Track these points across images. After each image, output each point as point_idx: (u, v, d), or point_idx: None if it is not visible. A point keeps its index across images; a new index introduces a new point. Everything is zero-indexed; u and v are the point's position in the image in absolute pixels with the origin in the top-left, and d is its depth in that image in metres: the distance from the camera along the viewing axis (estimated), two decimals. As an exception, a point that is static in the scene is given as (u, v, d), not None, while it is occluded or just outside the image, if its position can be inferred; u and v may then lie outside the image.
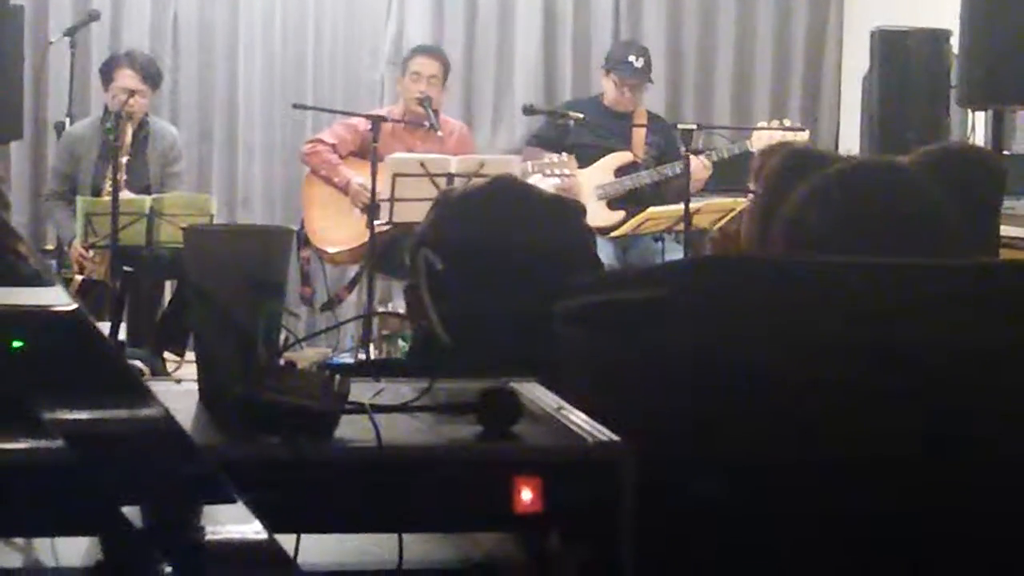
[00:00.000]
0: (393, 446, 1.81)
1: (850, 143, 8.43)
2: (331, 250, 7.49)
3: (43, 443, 1.63)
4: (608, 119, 7.85)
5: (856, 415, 2.07)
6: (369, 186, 6.98)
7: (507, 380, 2.03)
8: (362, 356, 7.11)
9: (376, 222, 6.91)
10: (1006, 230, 4.10)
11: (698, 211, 6.98)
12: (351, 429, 1.85)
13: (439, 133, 7.47)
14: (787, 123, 7.71)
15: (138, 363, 6.13)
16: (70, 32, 8.07)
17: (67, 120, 7.89)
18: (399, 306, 7.81)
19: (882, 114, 6.87)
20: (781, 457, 2.06)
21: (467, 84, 9.03)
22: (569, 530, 1.90)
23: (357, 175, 7.40)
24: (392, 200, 6.77)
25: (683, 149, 7.00)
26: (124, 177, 7.08)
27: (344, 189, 7.47)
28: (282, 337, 2.08)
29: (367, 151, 7.31)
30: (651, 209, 7.17)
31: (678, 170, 7.43)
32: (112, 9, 8.67)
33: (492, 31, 9.05)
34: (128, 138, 7.21)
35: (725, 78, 9.25)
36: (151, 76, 7.65)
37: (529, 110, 7.88)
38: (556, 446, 1.88)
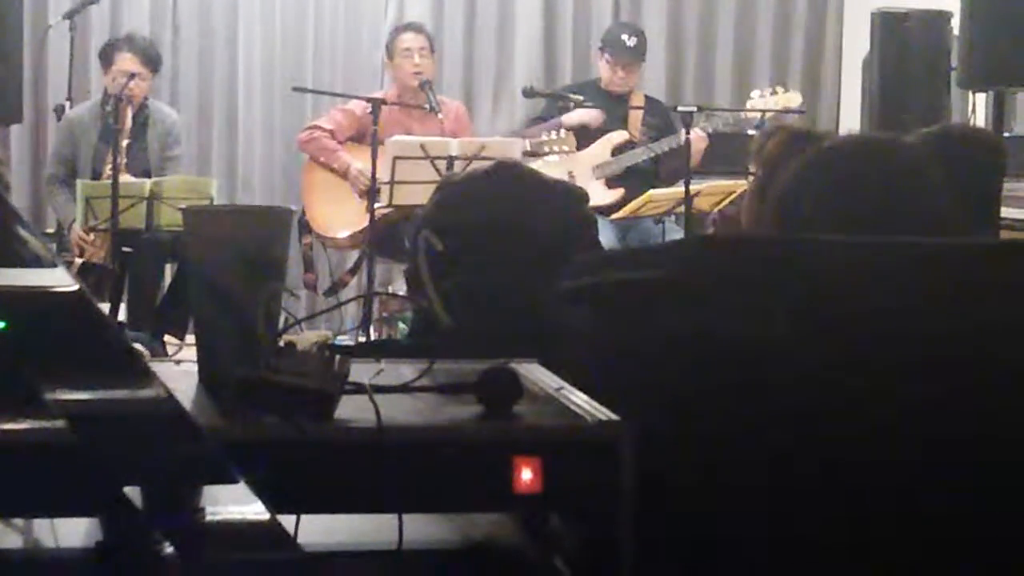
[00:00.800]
0: (393, 426, 1.81)
1: (851, 124, 8.41)
2: (332, 235, 7.48)
3: (44, 424, 1.63)
4: (605, 101, 7.83)
5: (854, 392, 2.07)
6: (368, 171, 6.98)
7: (507, 360, 2.03)
8: (363, 338, 7.10)
9: (376, 205, 6.90)
10: (1006, 212, 4.09)
11: (698, 193, 6.97)
12: (351, 409, 1.85)
13: (440, 115, 7.46)
14: (781, 90, 7.68)
15: (138, 346, 6.12)
16: (69, 15, 8.05)
17: (67, 103, 7.88)
18: (400, 288, 7.81)
19: (883, 95, 6.86)
20: (780, 435, 2.06)
21: (467, 66, 9.02)
22: (569, 510, 1.91)
23: (355, 160, 7.40)
24: (392, 183, 6.76)
25: (683, 131, 6.99)
26: (124, 160, 7.07)
27: (343, 174, 7.46)
28: (282, 319, 2.08)
29: (364, 136, 7.30)
30: (651, 192, 7.16)
31: (673, 144, 7.42)
32: (112, -8, 8.67)
33: (492, 13, 9.04)
34: (128, 121, 7.20)
35: (725, 60, 9.24)
36: (151, 59, 7.63)
37: (529, 92, 7.86)
38: (556, 426, 1.89)
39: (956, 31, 6.69)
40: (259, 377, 1.84)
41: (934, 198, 2.51)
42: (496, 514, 2.01)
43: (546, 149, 7.26)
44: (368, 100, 7.16)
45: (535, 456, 1.81)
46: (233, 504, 1.67)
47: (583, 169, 7.55)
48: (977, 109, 7.43)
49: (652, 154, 7.61)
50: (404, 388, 2.00)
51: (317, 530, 1.81)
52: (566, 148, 7.31)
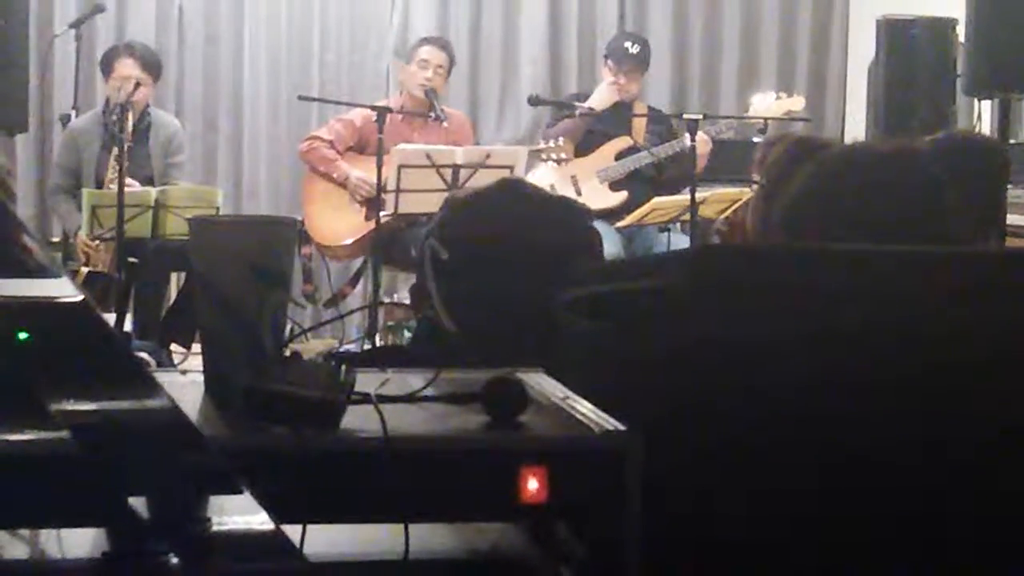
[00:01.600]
0: (399, 436, 1.81)
1: (856, 132, 8.42)
2: (333, 245, 7.49)
3: (49, 434, 1.63)
4: (610, 109, 7.85)
5: (860, 401, 2.07)
6: (368, 179, 6.98)
7: (513, 370, 2.03)
8: (368, 347, 7.10)
9: (380, 213, 6.91)
10: (1011, 219, 4.09)
11: (704, 201, 6.97)
12: (357, 419, 1.85)
13: (445, 124, 7.47)
14: (784, 95, 7.69)
15: (144, 355, 6.13)
16: (75, 25, 8.07)
17: (72, 113, 7.89)
18: (404, 297, 7.81)
19: (888, 102, 6.86)
20: (785, 445, 2.05)
21: (473, 75, 9.03)
22: (575, 520, 1.90)
23: (355, 169, 7.41)
24: (398, 191, 6.77)
25: (687, 137, 7.00)
26: (127, 163, 7.08)
27: (343, 183, 7.47)
28: (288, 328, 2.08)
29: (364, 146, 7.32)
30: (656, 199, 7.16)
31: (677, 148, 7.43)
32: (117, 2, 8.67)
33: (497, 22, 9.05)
34: (129, 125, 7.20)
35: (731, 68, 9.25)
36: (151, 65, 7.64)
37: (535, 100, 7.88)
38: (562, 436, 1.88)
39: (961, 38, 6.69)
40: (265, 387, 1.83)
41: (943, 206, 2.51)
42: (502, 523, 2.01)
43: (543, 156, 7.29)
44: (373, 109, 7.17)
45: (541, 465, 1.81)
46: (239, 514, 1.67)
47: (587, 173, 7.57)
48: (983, 116, 7.43)
49: (655, 158, 7.62)
50: (410, 398, 2.00)
51: (323, 540, 1.81)
52: (563, 156, 7.33)
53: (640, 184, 7.62)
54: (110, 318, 1.91)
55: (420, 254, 2.77)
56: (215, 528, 1.69)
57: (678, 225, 7.48)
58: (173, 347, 6.98)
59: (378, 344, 7.11)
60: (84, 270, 6.93)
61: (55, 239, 7.80)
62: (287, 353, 1.98)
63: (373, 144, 6.95)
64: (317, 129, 7.85)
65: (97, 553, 1.79)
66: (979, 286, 2.18)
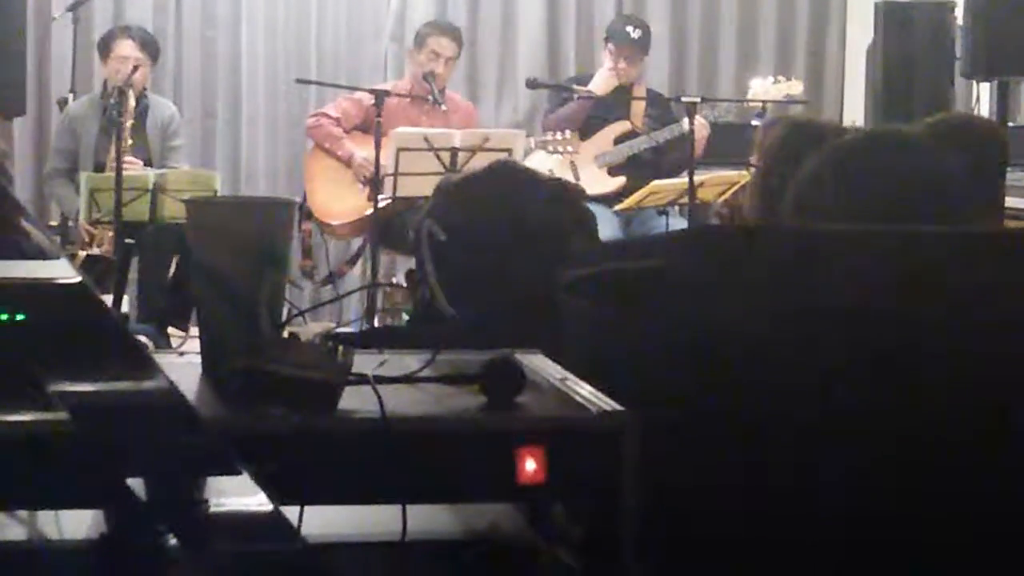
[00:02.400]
0: (397, 417, 1.81)
1: (854, 115, 8.41)
2: (333, 223, 7.48)
3: (47, 415, 1.63)
4: (609, 93, 7.83)
5: (859, 383, 2.07)
6: (372, 160, 6.97)
7: (511, 351, 2.03)
8: (366, 329, 7.09)
9: (379, 196, 6.90)
10: (1010, 201, 4.09)
11: (702, 184, 6.96)
12: (355, 400, 1.85)
13: (443, 108, 7.46)
14: (783, 79, 7.68)
15: (142, 338, 6.12)
16: (73, 7, 8.05)
17: (70, 96, 7.87)
18: (402, 280, 7.81)
19: (886, 86, 6.85)
20: (781, 426, 2.06)
21: (471, 58, 9.00)
22: (572, 500, 1.91)
23: (360, 149, 7.40)
24: (396, 174, 6.76)
25: (685, 121, 6.99)
26: (130, 142, 7.08)
27: (347, 163, 7.46)
28: (285, 310, 2.08)
29: (370, 126, 7.29)
30: (655, 183, 7.15)
31: (676, 133, 7.43)
32: (115, -15, 8.66)
33: (496, 5, 9.03)
34: (132, 103, 7.18)
35: (729, 51, 9.22)
36: (149, 47, 7.63)
37: (533, 84, 7.86)
38: (560, 416, 1.89)
39: (960, 21, 6.68)
40: (263, 368, 1.84)
41: (950, 188, 2.51)
42: (500, 504, 2.01)
43: (550, 149, 7.27)
44: (372, 92, 7.15)
45: (538, 446, 1.81)
46: (236, 495, 1.67)
47: (585, 158, 7.55)
48: (981, 99, 7.42)
49: (654, 143, 7.61)
50: (408, 379, 2.00)
51: (321, 521, 1.81)
52: (570, 148, 7.32)
53: (639, 169, 7.60)
54: (108, 300, 1.91)
55: (417, 236, 2.77)
56: (213, 509, 1.69)
57: (676, 208, 7.47)
58: (171, 330, 6.99)
59: (376, 326, 7.11)
60: (82, 253, 6.93)
61: (53, 222, 7.79)
62: (285, 334, 1.98)
63: (383, 123, 6.94)
64: (325, 106, 7.83)
65: (95, 534, 1.79)
66: (986, 265, 2.18)
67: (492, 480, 1.83)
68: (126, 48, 7.52)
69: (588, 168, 7.52)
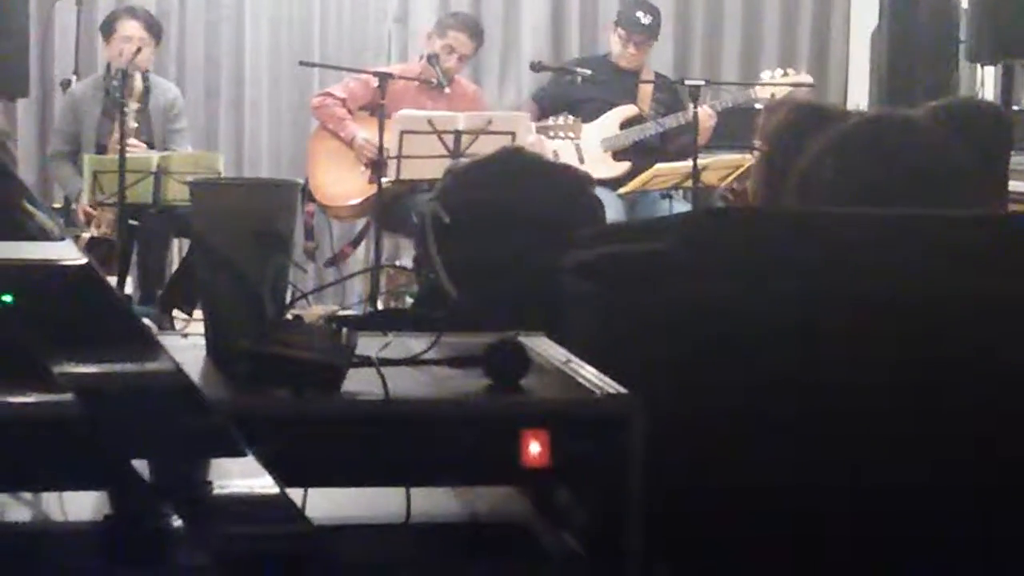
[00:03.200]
0: (400, 400, 1.81)
1: (859, 98, 8.39)
2: (335, 205, 7.47)
3: (52, 397, 1.63)
4: (615, 76, 7.82)
5: (862, 366, 2.07)
6: (374, 141, 6.96)
7: (515, 334, 2.02)
8: (370, 311, 7.09)
9: (384, 179, 6.89)
10: (1014, 184, 4.08)
11: (706, 168, 6.95)
12: (359, 383, 1.85)
13: (447, 90, 7.45)
14: (792, 72, 7.68)
15: (146, 320, 6.12)
16: (76, -11, 8.05)
17: (73, 78, 7.87)
18: (406, 262, 7.80)
19: (891, 69, 6.84)
20: (783, 408, 2.05)
21: (475, 41, 9.00)
22: (576, 483, 1.91)
23: (363, 130, 7.38)
24: (399, 157, 6.75)
25: (691, 106, 6.98)
26: (135, 125, 7.07)
27: (349, 143, 7.45)
28: (289, 292, 2.08)
29: (378, 107, 7.28)
30: (659, 165, 7.15)
31: (682, 120, 7.42)
32: (118, -34, 8.65)
33: (500, -13, 9.03)
34: (139, 84, 7.17)
35: (733, 34, 9.21)
36: (153, 27, 7.63)
37: (537, 67, 7.85)
38: (564, 399, 1.88)
39: (964, 4, 6.67)
40: (267, 350, 1.83)
41: (959, 173, 2.51)
42: (504, 487, 2.01)
43: (551, 134, 7.28)
44: (375, 74, 7.14)
45: (543, 429, 1.81)
46: (241, 477, 1.67)
47: (591, 141, 7.54)
48: (985, 82, 7.41)
49: (660, 129, 7.61)
50: (412, 361, 2.00)
51: (325, 503, 1.81)
52: (571, 134, 7.32)
53: (644, 154, 7.59)
54: (112, 282, 1.91)
55: (422, 219, 2.77)
56: (217, 491, 1.70)
57: (680, 192, 7.46)
58: (175, 313, 6.99)
59: (380, 308, 7.11)
60: (85, 235, 6.93)
61: (57, 204, 7.79)
62: (289, 316, 1.98)
63: (388, 106, 6.93)
64: (332, 86, 7.81)
65: (99, 516, 1.79)
66: (991, 249, 2.17)
67: (496, 463, 1.83)
68: (130, 28, 7.51)
69: (593, 152, 7.51)
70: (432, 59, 7.51)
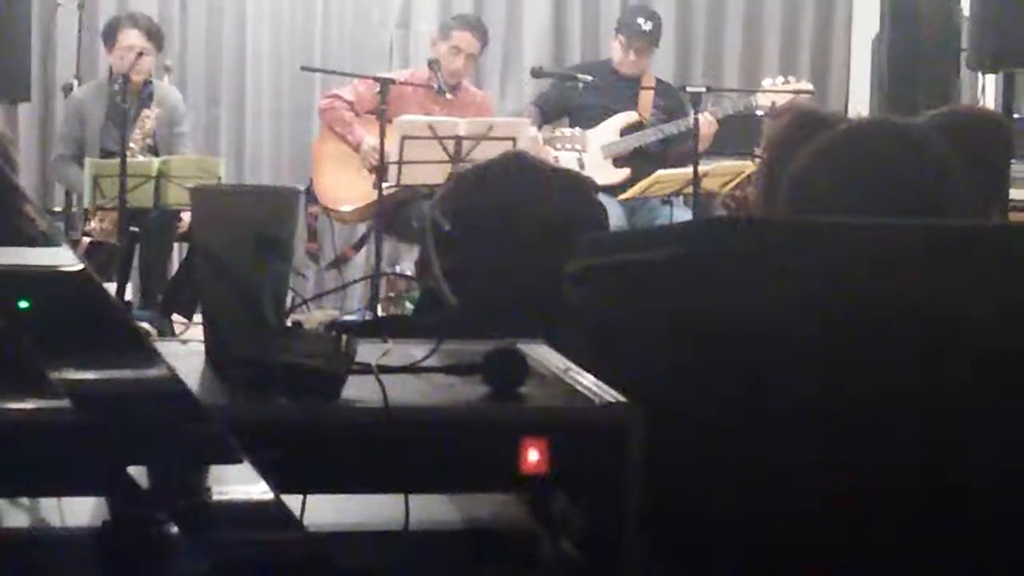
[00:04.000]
0: (400, 407, 1.81)
1: (860, 105, 8.39)
2: (339, 208, 7.48)
3: (49, 403, 1.63)
4: (616, 82, 7.83)
5: (862, 375, 2.07)
6: (379, 148, 6.97)
7: (515, 341, 2.02)
8: (369, 318, 7.10)
9: (384, 184, 6.90)
10: (1015, 193, 4.08)
11: (707, 174, 6.96)
12: (358, 389, 1.85)
13: (448, 96, 7.45)
14: (792, 80, 7.68)
15: (145, 325, 6.12)
16: (78, -7, 8.06)
17: (75, 82, 7.87)
18: (406, 268, 7.81)
19: (892, 76, 6.85)
20: (785, 416, 2.05)
21: (476, 46, 9.00)
22: (575, 491, 1.90)
23: (371, 135, 7.38)
24: (400, 162, 6.76)
25: (691, 113, 6.99)
26: (144, 131, 7.08)
27: (356, 148, 7.45)
28: (289, 298, 2.08)
29: (382, 112, 7.28)
30: (660, 172, 7.16)
31: (683, 127, 7.43)
32: (120, -29, 8.65)
33: (501, -7, 9.03)
34: (159, 96, 7.20)
35: (734, 40, 9.21)
36: (154, 35, 7.64)
37: (538, 73, 7.86)
38: (563, 407, 1.88)
39: (966, 12, 6.67)
40: (266, 356, 1.83)
41: (951, 180, 2.51)
42: (502, 495, 2.01)
43: (558, 146, 7.28)
44: (376, 80, 7.14)
45: (542, 437, 1.81)
46: (239, 484, 1.67)
47: (591, 148, 7.54)
48: (987, 90, 7.41)
49: (661, 136, 7.61)
50: (411, 368, 2.00)
51: (323, 510, 1.81)
52: (578, 146, 7.32)
53: (644, 161, 7.59)
54: (111, 288, 1.90)
55: (422, 225, 2.77)
56: (215, 497, 1.69)
57: (681, 198, 7.47)
58: (174, 317, 6.99)
59: (379, 315, 7.11)
60: (86, 240, 6.93)
61: (57, 208, 7.79)
62: (288, 323, 1.98)
63: (394, 111, 6.93)
64: (340, 88, 7.80)
65: (97, 522, 1.79)
66: (984, 259, 2.17)
67: (495, 470, 1.83)
68: (131, 37, 7.51)
69: (593, 158, 7.51)
70: (434, 64, 7.50)
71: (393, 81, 7.16)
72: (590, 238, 2.60)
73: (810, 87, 7.66)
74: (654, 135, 7.62)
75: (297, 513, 1.73)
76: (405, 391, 1.88)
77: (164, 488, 1.66)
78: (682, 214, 7.40)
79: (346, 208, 7.44)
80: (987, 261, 2.17)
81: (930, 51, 6.79)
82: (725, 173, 7.11)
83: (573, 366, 2.04)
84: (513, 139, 6.67)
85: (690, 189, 6.96)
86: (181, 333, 6.69)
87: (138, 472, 1.63)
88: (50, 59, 8.48)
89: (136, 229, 5.55)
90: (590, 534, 1.90)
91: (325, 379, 1.83)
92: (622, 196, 7.29)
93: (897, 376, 2.08)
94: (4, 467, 1.67)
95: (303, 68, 8.10)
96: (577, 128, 7.44)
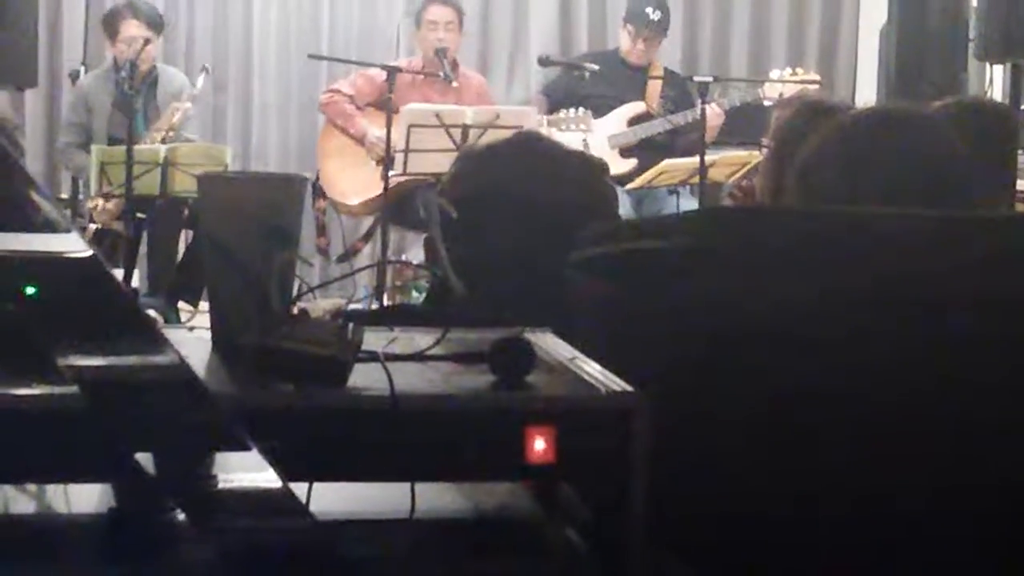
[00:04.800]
0: (406, 395, 1.81)
1: (867, 96, 8.40)
2: (346, 201, 7.48)
3: (56, 390, 1.63)
4: (624, 72, 7.84)
5: (871, 365, 2.07)
6: (384, 138, 6.97)
7: (521, 329, 2.02)
8: (376, 307, 7.10)
9: (391, 173, 6.90)
10: (1021, 184, 4.08)
11: (713, 164, 6.96)
12: (364, 378, 1.84)
13: (454, 84, 7.45)
14: (800, 71, 7.68)
15: (152, 312, 6.13)
16: (85, -20, 8.07)
17: (82, 69, 7.88)
18: (413, 257, 7.81)
19: (899, 66, 6.84)
20: (793, 408, 2.05)
21: (483, 35, 9.00)
22: (582, 480, 1.90)
23: (374, 126, 7.39)
24: (407, 151, 6.76)
25: (699, 102, 6.98)
26: (171, 124, 7.10)
27: (360, 140, 7.46)
28: (295, 286, 2.07)
29: (385, 102, 7.29)
30: (666, 162, 7.16)
31: (689, 118, 7.43)
32: (126, -42, 8.64)
33: (508, -18, 9.03)
34: (172, 121, 7.24)
35: (742, 31, 9.22)
36: (155, 22, 7.66)
37: (545, 61, 7.86)
38: (569, 396, 1.88)
39: (974, 3, 6.66)
40: (272, 344, 1.83)
41: (958, 169, 2.50)
42: (508, 484, 2.01)
43: (562, 127, 7.28)
44: (383, 68, 7.14)
45: (548, 426, 1.81)
46: (245, 471, 1.67)
47: (598, 138, 7.54)
48: (994, 81, 7.40)
49: (668, 127, 7.61)
50: (417, 356, 1.99)
51: (329, 498, 1.81)
52: (583, 126, 7.32)
53: (651, 151, 7.59)
54: (118, 274, 1.90)
55: (427, 211, 2.75)
56: (221, 485, 1.69)
57: (687, 188, 7.47)
58: (181, 304, 7.00)
59: (386, 303, 7.11)
60: (92, 227, 6.94)
61: (63, 195, 7.80)
62: (294, 311, 1.97)
63: (394, 101, 6.94)
64: (339, 82, 7.81)
65: (103, 509, 1.79)
66: (992, 249, 2.17)
67: (501, 459, 1.82)
68: (132, 28, 7.53)
69: (600, 148, 7.52)
70: (438, 52, 7.51)
71: (400, 69, 7.16)
72: (595, 227, 2.60)
73: (818, 78, 7.66)
74: (662, 126, 7.62)
75: (303, 501, 1.73)
76: (411, 379, 1.88)
77: (170, 475, 1.66)
78: (689, 204, 7.40)
79: (353, 201, 7.45)
80: (999, 251, 2.17)
81: (938, 42, 6.78)
82: (732, 163, 7.11)
83: (579, 355, 2.04)
84: (520, 128, 6.67)
85: (697, 179, 6.96)
86: (187, 320, 6.73)
87: (144, 459, 1.63)
88: (56, 46, 8.49)
89: (143, 216, 5.57)
90: (596, 522, 1.90)
91: (331, 367, 1.83)
92: (629, 185, 7.29)
93: (907, 366, 2.08)
94: (10, 453, 1.67)
95: (310, 56, 8.11)
96: (581, 108, 7.43)
